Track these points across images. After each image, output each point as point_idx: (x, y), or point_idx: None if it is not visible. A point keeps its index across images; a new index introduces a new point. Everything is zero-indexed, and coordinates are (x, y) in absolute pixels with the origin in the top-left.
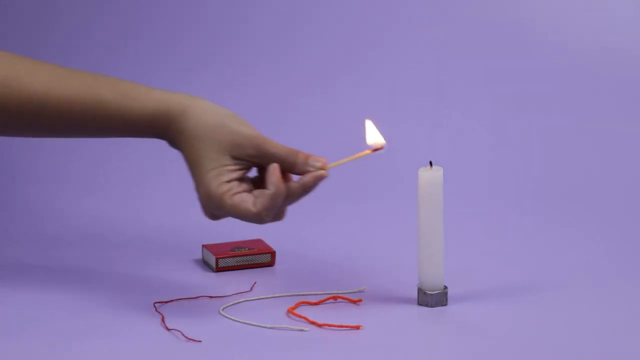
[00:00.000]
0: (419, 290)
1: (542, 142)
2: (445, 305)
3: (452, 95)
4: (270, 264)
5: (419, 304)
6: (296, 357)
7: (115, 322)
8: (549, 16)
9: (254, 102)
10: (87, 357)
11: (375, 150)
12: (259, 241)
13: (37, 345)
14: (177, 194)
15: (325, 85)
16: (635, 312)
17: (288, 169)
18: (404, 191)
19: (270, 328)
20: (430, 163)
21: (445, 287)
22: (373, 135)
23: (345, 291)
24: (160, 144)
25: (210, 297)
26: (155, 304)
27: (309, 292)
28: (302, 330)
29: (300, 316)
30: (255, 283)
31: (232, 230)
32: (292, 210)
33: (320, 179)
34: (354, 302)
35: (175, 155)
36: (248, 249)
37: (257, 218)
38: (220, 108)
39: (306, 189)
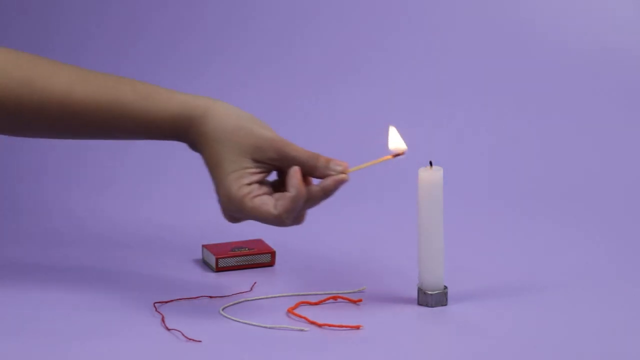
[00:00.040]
0: (419, 290)
1: (542, 142)
2: (445, 305)
3: (452, 96)
4: (270, 264)
5: (419, 304)
6: (296, 357)
7: (115, 322)
8: (549, 16)
9: (254, 105)
10: (87, 357)
11: (396, 155)
12: (259, 241)
13: (37, 345)
14: (177, 194)
15: (325, 86)
16: (635, 312)
17: (309, 172)
18: (404, 191)
19: (270, 328)
20: (430, 163)
21: (445, 287)
22: (395, 141)
23: (345, 291)
24: (161, 145)
25: (210, 297)
26: (155, 304)
27: (309, 292)
28: (302, 330)
29: (300, 316)
30: (255, 283)
31: (232, 231)
32: None
33: (341, 182)
34: (354, 302)
35: (175, 155)
36: (248, 249)
37: (278, 220)
38: (241, 111)
39: (327, 193)
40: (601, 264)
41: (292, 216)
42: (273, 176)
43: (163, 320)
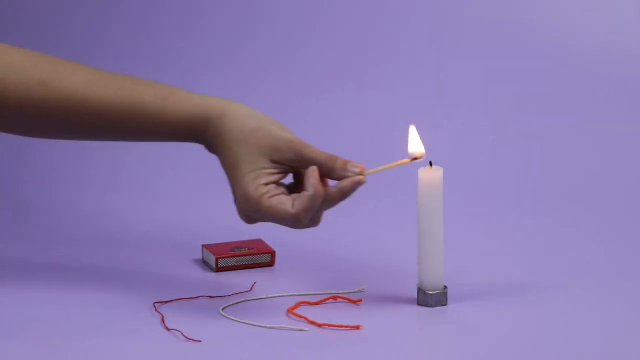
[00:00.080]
0: (419, 290)
1: (542, 142)
2: (445, 305)
3: (452, 96)
4: (270, 264)
5: (419, 304)
6: (296, 357)
7: (115, 322)
8: (549, 16)
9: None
10: (87, 357)
11: (415, 159)
12: (259, 241)
13: (37, 345)
14: (177, 194)
15: (325, 86)
16: (635, 312)
17: (326, 174)
18: (404, 191)
19: (270, 328)
20: (430, 163)
21: (445, 287)
22: (414, 144)
23: (345, 291)
24: (162, 146)
25: (210, 297)
26: (155, 304)
27: (309, 292)
28: (302, 330)
29: (300, 316)
30: (255, 283)
31: (232, 230)
32: None
33: (358, 184)
34: (354, 302)
35: (176, 156)
36: (248, 249)
37: (295, 220)
38: (259, 112)
39: (344, 194)
40: (601, 264)
41: (310, 216)
42: (289, 179)
43: (163, 320)
